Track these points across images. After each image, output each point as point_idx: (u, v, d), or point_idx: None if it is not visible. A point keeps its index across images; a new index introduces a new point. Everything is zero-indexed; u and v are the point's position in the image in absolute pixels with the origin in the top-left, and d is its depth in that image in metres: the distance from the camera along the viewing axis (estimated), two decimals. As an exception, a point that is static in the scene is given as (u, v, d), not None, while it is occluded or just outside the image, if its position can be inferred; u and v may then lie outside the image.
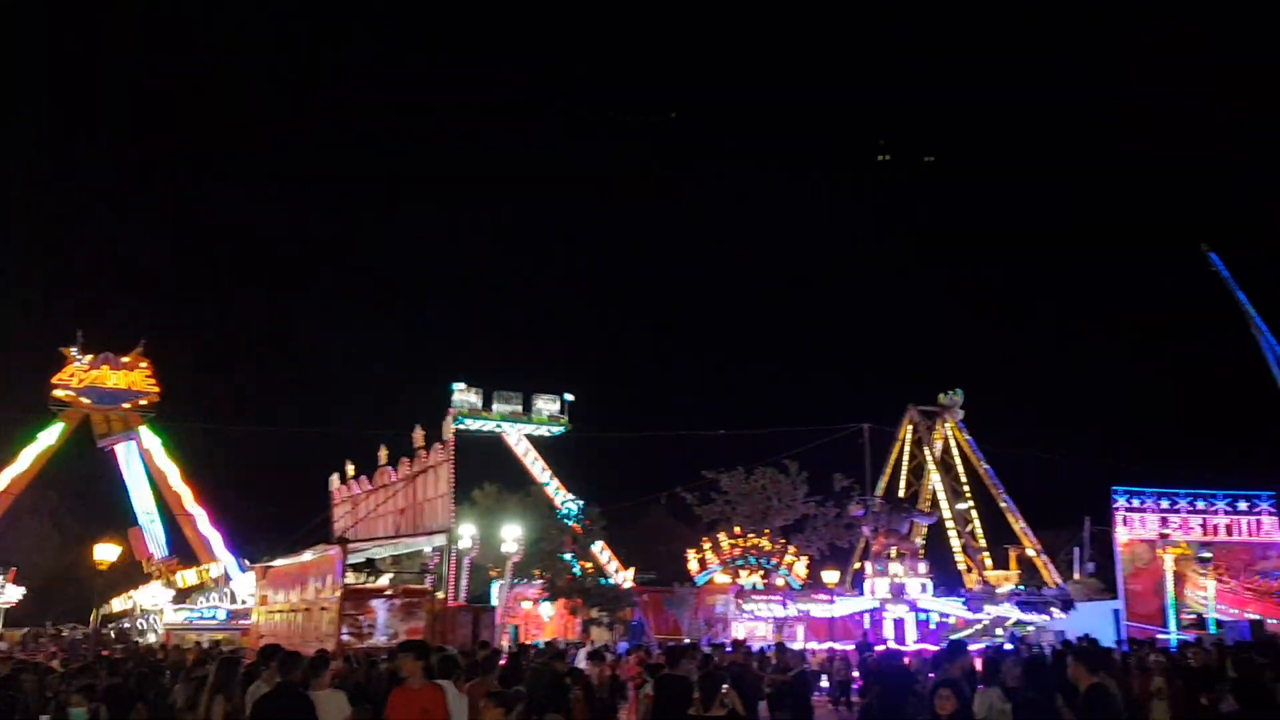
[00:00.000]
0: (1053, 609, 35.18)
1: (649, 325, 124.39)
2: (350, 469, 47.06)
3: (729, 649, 18.27)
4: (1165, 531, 38.95)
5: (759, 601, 35.83)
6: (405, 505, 41.71)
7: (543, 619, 40.47)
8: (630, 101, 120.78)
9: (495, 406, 46.17)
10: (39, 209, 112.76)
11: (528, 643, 29.51)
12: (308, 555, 33.26)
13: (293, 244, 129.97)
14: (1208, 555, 36.69)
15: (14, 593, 49.20)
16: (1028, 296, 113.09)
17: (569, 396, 47.86)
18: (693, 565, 42.09)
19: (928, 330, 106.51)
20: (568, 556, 39.13)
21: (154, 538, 54.63)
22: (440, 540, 36.38)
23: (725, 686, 9.16)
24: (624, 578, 44.01)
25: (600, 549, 43.88)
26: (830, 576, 35.46)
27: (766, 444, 47.52)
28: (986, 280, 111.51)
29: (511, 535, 37.02)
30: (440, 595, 34.23)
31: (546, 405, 47.44)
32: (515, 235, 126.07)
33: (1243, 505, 40.28)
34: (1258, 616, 35.88)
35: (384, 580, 35.15)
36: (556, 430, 47.76)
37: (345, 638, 28.35)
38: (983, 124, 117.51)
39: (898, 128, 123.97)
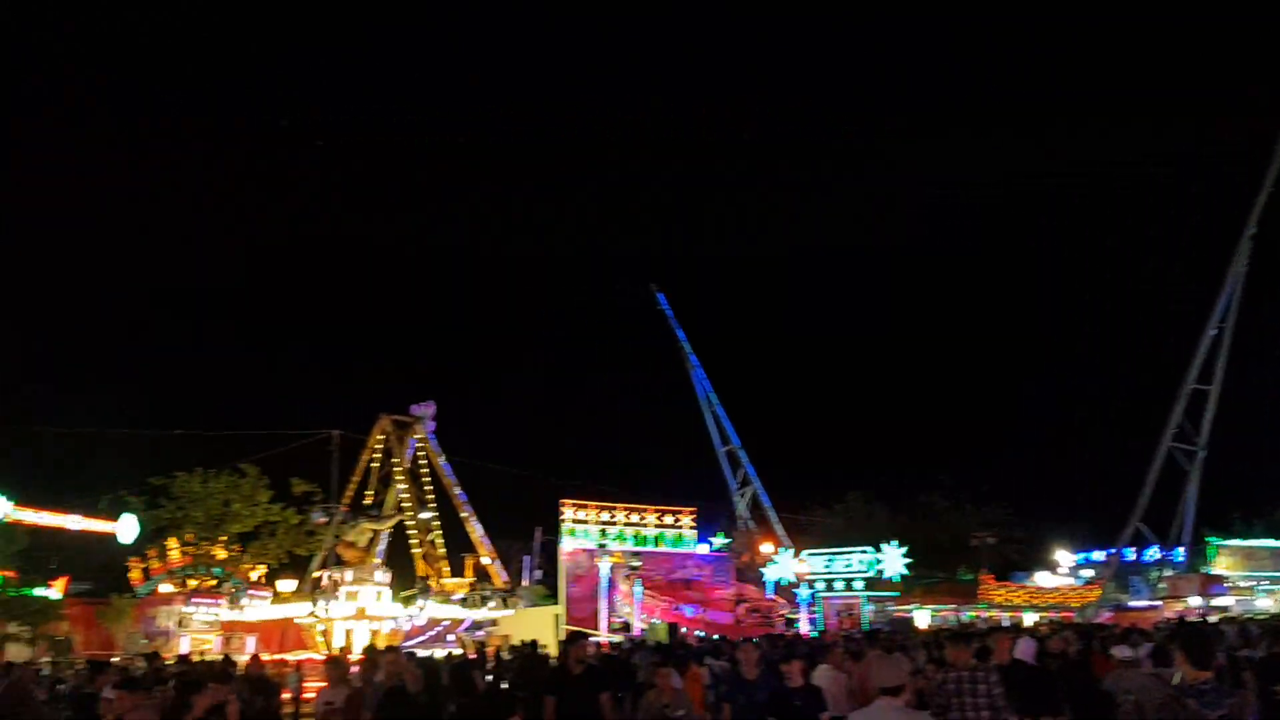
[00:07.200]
0: (491, 603, 37.21)
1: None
2: None
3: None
4: (603, 542, 42.93)
5: (200, 604, 34.37)
6: None
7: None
8: None
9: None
10: None
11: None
12: None
13: None
14: (637, 564, 41.03)
15: None
16: (496, 313, 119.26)
17: None
18: (135, 575, 38.85)
19: (405, 339, 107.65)
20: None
21: None
22: None
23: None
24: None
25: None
26: (287, 585, 34.56)
27: (226, 446, 45.21)
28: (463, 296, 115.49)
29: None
30: None
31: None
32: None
33: (669, 519, 45.56)
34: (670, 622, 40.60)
35: None
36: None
37: None
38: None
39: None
